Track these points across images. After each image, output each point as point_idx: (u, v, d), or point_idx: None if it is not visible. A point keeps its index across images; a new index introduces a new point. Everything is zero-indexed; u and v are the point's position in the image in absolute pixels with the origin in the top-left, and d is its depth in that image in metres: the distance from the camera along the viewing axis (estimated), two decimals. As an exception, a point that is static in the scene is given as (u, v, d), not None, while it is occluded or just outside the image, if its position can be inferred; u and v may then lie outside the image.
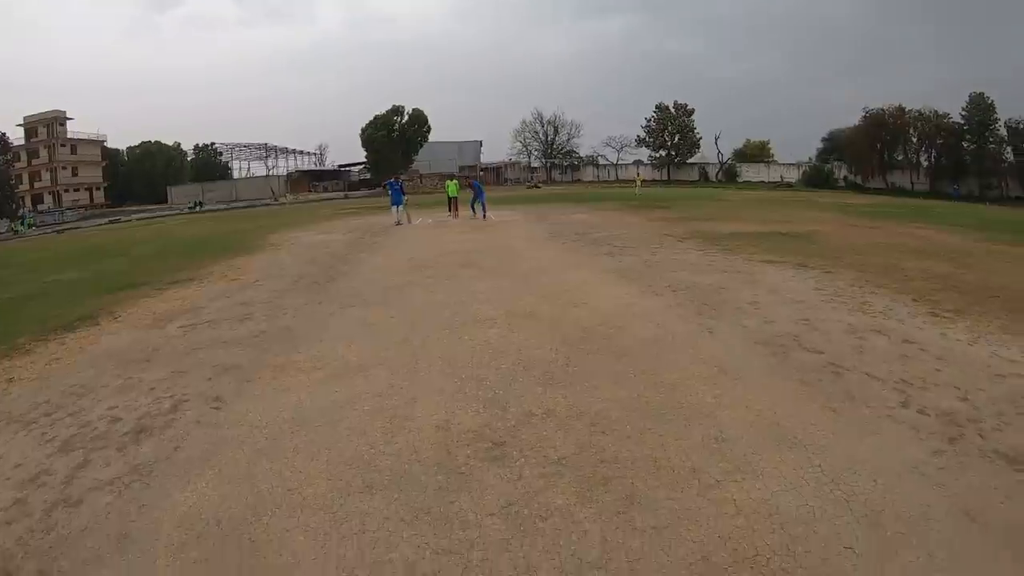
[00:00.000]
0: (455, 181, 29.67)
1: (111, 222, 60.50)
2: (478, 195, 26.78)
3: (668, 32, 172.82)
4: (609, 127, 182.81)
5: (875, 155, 76.88)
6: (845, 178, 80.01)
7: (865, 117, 77.99)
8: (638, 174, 65.32)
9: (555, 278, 11.53)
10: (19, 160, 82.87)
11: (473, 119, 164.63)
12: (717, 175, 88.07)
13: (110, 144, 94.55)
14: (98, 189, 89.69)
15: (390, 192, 25.52)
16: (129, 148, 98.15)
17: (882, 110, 76.53)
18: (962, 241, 16.77)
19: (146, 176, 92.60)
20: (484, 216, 26.01)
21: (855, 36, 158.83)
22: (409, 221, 24.96)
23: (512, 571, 3.39)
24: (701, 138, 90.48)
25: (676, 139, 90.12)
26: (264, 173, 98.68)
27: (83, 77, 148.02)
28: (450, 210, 28.10)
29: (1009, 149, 71.77)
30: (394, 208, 24.84)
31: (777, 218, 23.80)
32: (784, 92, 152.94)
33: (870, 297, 9.33)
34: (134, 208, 78.33)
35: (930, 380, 5.84)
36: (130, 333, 9.32)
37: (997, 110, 72.00)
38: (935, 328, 7.58)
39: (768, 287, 10.10)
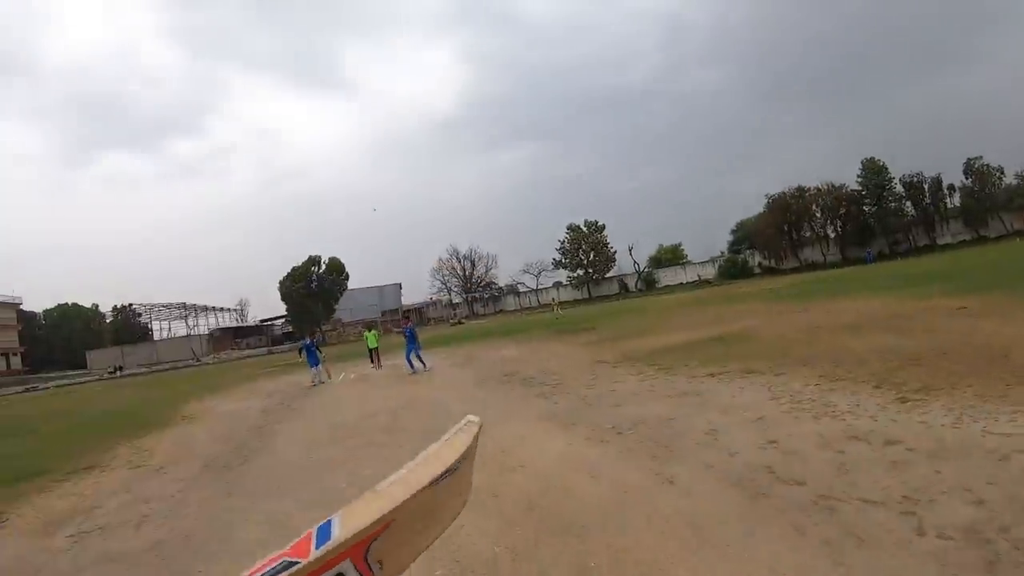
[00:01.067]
0: (374, 332, 28.67)
1: (28, 390, 58.35)
2: (411, 343, 22.08)
3: (569, 155, 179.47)
4: (527, 253, 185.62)
5: (784, 237, 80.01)
6: (760, 264, 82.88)
7: (769, 203, 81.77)
8: (554, 299, 66.31)
9: (488, 436, 10.35)
10: None
11: (392, 261, 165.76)
12: (636, 284, 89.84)
13: (26, 307, 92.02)
14: (15, 355, 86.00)
15: (306, 354, 23.77)
16: (46, 311, 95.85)
17: (783, 194, 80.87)
18: (894, 304, 16.89)
19: (64, 340, 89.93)
20: (424, 366, 21.69)
21: (742, 130, 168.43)
22: (329, 377, 23.80)
23: None
24: (615, 251, 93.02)
25: (591, 256, 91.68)
26: (185, 333, 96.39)
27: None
28: (372, 361, 26.91)
29: (908, 203, 75.56)
30: (312, 369, 23.29)
31: (706, 320, 23.43)
32: (685, 194, 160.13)
33: (831, 395, 8.52)
34: (53, 375, 75.11)
35: (934, 488, 4.91)
36: (15, 544, 7.68)
37: (890, 169, 76.54)
38: (911, 416, 6.87)
39: (720, 407, 9.07)
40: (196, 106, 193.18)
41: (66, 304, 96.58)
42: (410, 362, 21.64)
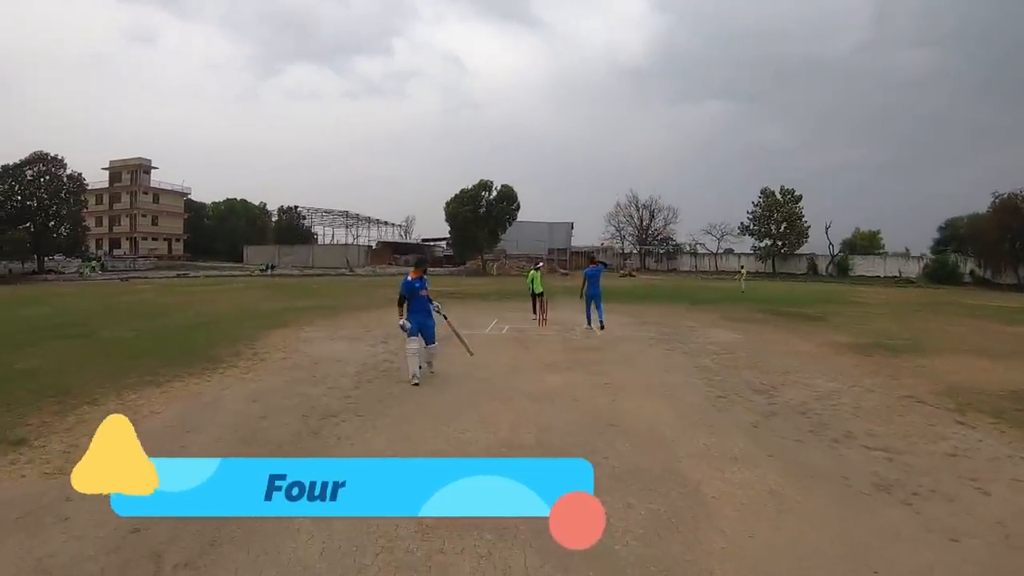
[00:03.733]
0: (538, 271, 20.61)
1: (179, 276, 59.08)
2: (595, 289, 17.72)
3: (760, 121, 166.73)
4: (705, 216, 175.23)
5: (1007, 245, 64.37)
6: (972, 272, 68.83)
7: (995, 203, 66.48)
8: (741, 267, 56.95)
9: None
10: (100, 203, 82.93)
11: (563, 204, 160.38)
12: (828, 268, 78.72)
13: (195, 197, 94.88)
14: (177, 240, 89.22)
15: (407, 297, 10.64)
16: (214, 203, 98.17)
17: (1014, 195, 64.79)
18: None
19: (228, 233, 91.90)
20: (601, 324, 17.45)
21: (959, 122, 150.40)
22: (469, 351, 11.88)
23: None
24: (810, 227, 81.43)
25: (783, 227, 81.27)
26: (348, 241, 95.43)
27: (178, 132, 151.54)
28: (534, 312, 19.79)
29: None
30: (413, 341, 10.50)
31: (1003, 344, 16.17)
32: (885, 180, 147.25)
33: None
34: (207, 265, 76.33)
35: None
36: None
37: None
38: None
39: None
40: (383, 28, 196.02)
41: (234, 199, 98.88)
42: (589, 317, 17.96)
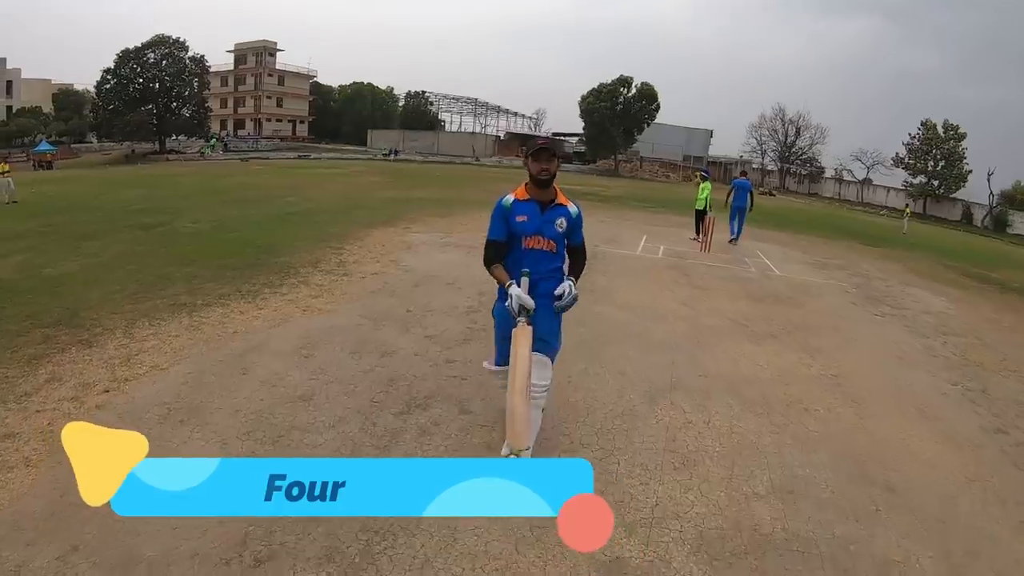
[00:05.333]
0: (709, 183, 16.52)
1: (299, 158, 58.32)
2: (738, 202, 16.59)
3: (912, 43, 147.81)
4: (842, 142, 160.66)
5: None
6: None
7: None
8: (907, 206, 48.60)
9: None
10: (225, 85, 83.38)
11: (697, 113, 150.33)
12: (984, 220, 68.21)
13: (321, 81, 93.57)
14: (302, 122, 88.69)
15: (501, 250, 4.21)
16: (340, 86, 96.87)
17: None
18: None
19: (354, 116, 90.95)
20: (736, 239, 16.34)
21: None
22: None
23: None
24: (971, 171, 70.29)
25: (941, 166, 70.91)
26: (475, 130, 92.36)
27: (305, 12, 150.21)
28: (696, 233, 16.29)
29: None
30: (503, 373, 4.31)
31: None
32: None
33: None
34: (329, 147, 75.34)
35: None
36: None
37: None
38: None
39: None
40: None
41: (361, 83, 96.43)
42: (732, 228, 16.69)
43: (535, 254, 3.98)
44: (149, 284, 8.39)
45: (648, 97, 68.44)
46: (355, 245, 11.57)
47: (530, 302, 3.67)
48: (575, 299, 3.88)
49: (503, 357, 4.14)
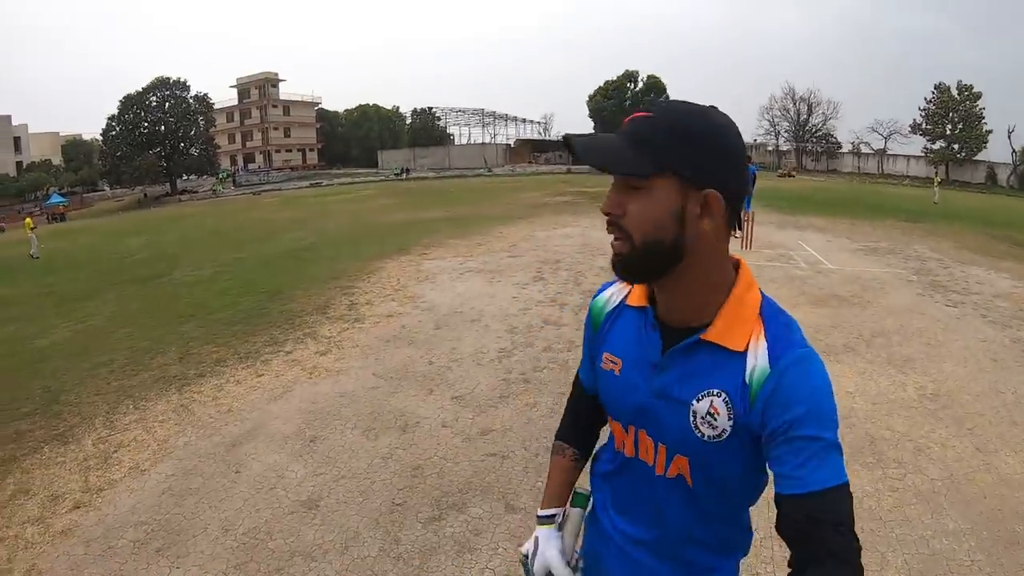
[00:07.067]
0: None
1: (312, 185, 58.36)
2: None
3: (907, 6, 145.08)
4: (857, 113, 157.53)
5: None
6: None
7: None
8: (936, 174, 46.68)
9: None
10: (231, 120, 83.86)
11: (707, 99, 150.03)
12: (1009, 179, 65.91)
13: (327, 106, 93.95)
14: (311, 150, 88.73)
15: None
16: (346, 111, 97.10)
17: None
18: None
19: (362, 139, 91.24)
20: (748, 241, 13.52)
21: None
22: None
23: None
24: (991, 131, 68.07)
25: (959, 129, 68.69)
26: (485, 140, 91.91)
27: (305, 40, 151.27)
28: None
29: None
30: None
31: None
32: None
33: None
34: (340, 172, 75.22)
35: None
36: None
37: None
38: None
39: None
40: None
41: (367, 105, 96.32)
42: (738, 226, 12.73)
43: (630, 469, 1.39)
44: (140, 352, 7.59)
45: (656, 90, 67.43)
46: (367, 281, 10.68)
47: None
48: None
49: None
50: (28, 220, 22.43)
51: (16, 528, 4.19)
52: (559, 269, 10.65)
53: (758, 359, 1.16)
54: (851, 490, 1.06)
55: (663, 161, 1.12)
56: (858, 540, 1.04)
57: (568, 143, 1.16)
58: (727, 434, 1.18)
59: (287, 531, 3.77)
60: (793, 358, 1.14)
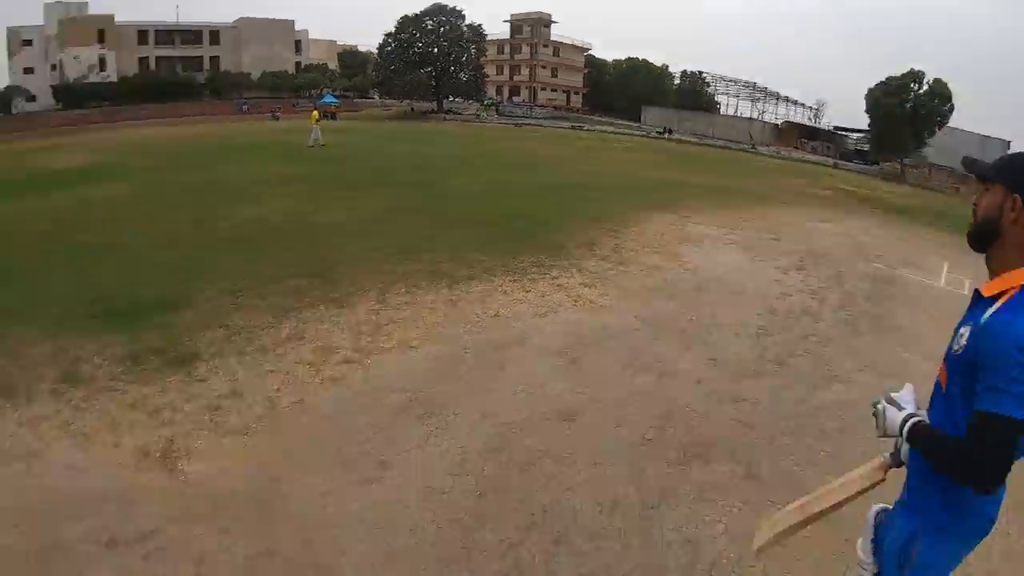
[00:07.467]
0: None
1: (572, 128, 58.57)
2: None
3: None
4: None
5: None
6: None
7: None
8: None
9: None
10: (501, 52, 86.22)
11: (991, 115, 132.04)
12: None
13: (596, 54, 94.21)
14: (576, 94, 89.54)
15: None
16: (615, 61, 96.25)
17: None
18: None
19: (627, 91, 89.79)
20: None
21: None
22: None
23: None
24: None
25: None
26: (752, 116, 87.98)
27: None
28: None
29: None
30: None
31: None
32: None
33: None
34: (604, 120, 74.96)
35: None
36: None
37: None
38: None
39: None
40: None
41: (636, 59, 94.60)
42: None
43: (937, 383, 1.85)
44: (411, 245, 8.20)
45: (942, 96, 60.24)
46: (632, 230, 10.67)
47: (896, 425, 1.78)
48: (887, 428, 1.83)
49: None
50: (315, 113, 24.53)
51: (288, 365, 4.74)
52: (821, 264, 9.96)
53: (994, 316, 1.64)
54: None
55: (1000, 176, 1.79)
56: None
57: (964, 162, 2.09)
58: (962, 355, 1.70)
59: (542, 433, 4.01)
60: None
